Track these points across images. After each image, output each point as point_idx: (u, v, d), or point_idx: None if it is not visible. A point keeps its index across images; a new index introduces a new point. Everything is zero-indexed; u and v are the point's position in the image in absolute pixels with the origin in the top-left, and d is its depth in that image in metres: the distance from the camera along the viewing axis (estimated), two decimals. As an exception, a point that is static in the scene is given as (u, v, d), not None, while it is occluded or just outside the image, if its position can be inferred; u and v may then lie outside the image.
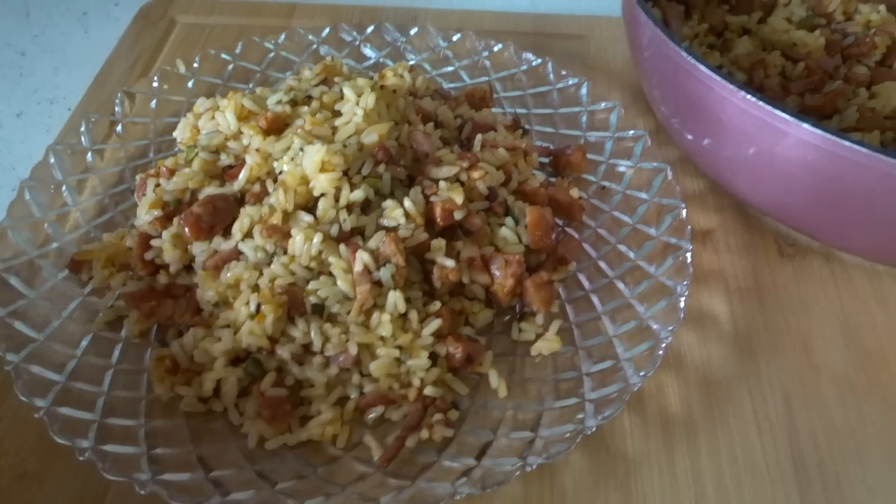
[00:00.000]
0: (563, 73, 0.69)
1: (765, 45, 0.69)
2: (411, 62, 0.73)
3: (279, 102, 0.57)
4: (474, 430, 0.47)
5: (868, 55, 0.66)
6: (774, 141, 0.50)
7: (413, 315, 0.49)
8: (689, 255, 0.53)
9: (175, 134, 0.61)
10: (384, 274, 0.48)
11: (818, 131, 0.46)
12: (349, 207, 0.51)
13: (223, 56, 0.71)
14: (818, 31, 0.69)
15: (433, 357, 0.49)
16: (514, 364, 0.51)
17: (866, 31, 0.68)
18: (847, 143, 0.46)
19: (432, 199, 0.52)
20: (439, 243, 0.51)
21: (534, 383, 0.50)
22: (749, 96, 0.49)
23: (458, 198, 0.52)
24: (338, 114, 0.56)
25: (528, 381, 0.50)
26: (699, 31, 0.72)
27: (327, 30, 0.73)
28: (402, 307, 0.48)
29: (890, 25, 0.68)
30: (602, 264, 0.57)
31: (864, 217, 0.52)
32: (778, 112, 0.48)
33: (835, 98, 0.62)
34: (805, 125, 0.46)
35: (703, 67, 0.51)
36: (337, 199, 0.51)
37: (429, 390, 0.47)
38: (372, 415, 0.48)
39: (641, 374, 0.47)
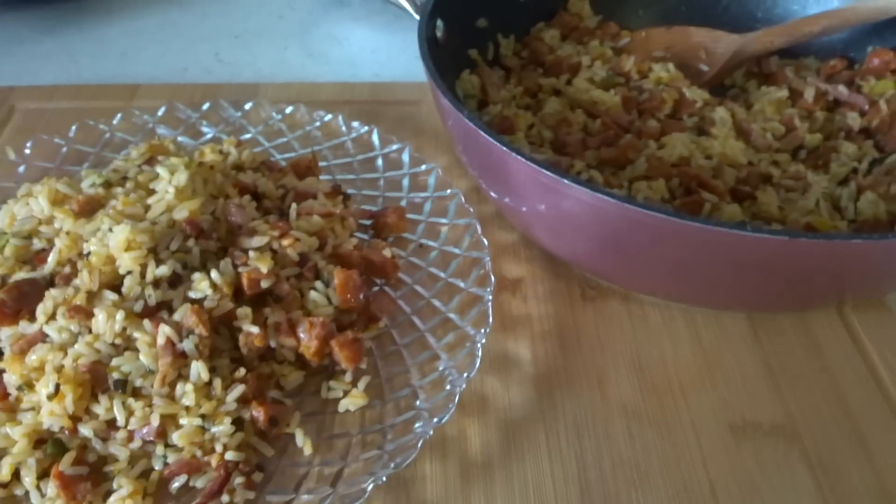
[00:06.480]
0: (388, 139, 0.73)
1: (572, 104, 0.75)
2: (248, 136, 0.76)
3: (93, 185, 0.59)
4: (278, 490, 0.49)
5: (659, 109, 0.73)
6: (558, 198, 0.54)
7: (217, 382, 0.51)
8: (489, 304, 0.57)
9: (-3, 221, 0.62)
10: (188, 345, 0.50)
11: (584, 188, 0.51)
12: (156, 283, 0.53)
13: (56, 140, 0.72)
14: (614, 89, 0.75)
15: (239, 422, 0.51)
16: (323, 422, 0.54)
17: (658, 87, 0.75)
18: (608, 198, 0.50)
19: (241, 269, 0.55)
20: (245, 311, 0.53)
21: (342, 439, 0.53)
22: (523, 159, 0.53)
23: (264, 267, 0.54)
24: (153, 192, 0.59)
25: (335, 437, 0.53)
26: (516, 93, 0.77)
27: (162, 109, 0.76)
28: (205, 376, 0.50)
29: (678, 81, 0.75)
30: (415, 319, 0.60)
31: (644, 262, 0.57)
32: (549, 173, 0.52)
33: (626, 150, 0.67)
34: (567, 181, 0.51)
35: (486, 135, 0.55)
36: (143, 276, 0.53)
37: (230, 455, 0.49)
38: (176, 484, 0.49)
39: (435, 421, 0.50)
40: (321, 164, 0.72)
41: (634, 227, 0.51)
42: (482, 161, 0.61)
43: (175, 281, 0.54)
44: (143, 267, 0.53)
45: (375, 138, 0.74)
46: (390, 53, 0.97)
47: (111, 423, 0.49)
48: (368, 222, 0.68)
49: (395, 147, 0.73)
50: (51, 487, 0.47)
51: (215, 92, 0.85)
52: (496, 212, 0.70)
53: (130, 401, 0.49)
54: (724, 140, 0.69)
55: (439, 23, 0.71)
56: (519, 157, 0.53)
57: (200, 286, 0.53)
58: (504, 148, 0.54)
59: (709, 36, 0.80)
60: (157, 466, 0.49)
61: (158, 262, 0.53)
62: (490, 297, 0.57)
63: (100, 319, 0.50)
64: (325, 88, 0.86)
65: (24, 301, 0.53)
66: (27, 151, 0.71)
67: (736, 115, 0.73)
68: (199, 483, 0.49)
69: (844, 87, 0.74)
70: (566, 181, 0.51)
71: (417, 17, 0.69)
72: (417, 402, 0.53)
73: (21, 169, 0.70)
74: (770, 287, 0.56)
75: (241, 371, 0.52)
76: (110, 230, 0.54)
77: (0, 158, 0.70)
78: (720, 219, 0.61)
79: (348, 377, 0.55)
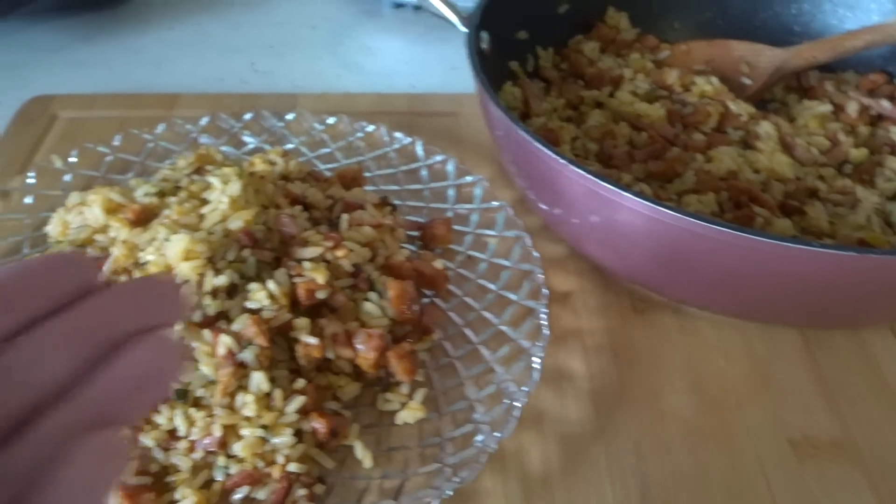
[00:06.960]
0: (432, 150, 0.73)
1: (615, 116, 0.75)
2: (290, 146, 0.76)
3: (147, 194, 0.59)
4: (340, 503, 0.49)
5: (704, 122, 0.73)
6: (611, 210, 0.54)
7: (277, 393, 0.50)
8: (544, 317, 0.57)
9: (47, 229, 0.62)
10: (248, 355, 0.50)
11: (640, 199, 0.51)
12: (214, 293, 0.53)
13: (100, 149, 0.72)
14: (659, 102, 0.75)
15: (299, 433, 0.50)
16: (380, 434, 0.53)
17: (702, 100, 0.75)
18: (672, 212, 0.50)
19: (296, 279, 0.55)
20: (302, 322, 0.53)
21: (400, 452, 0.52)
22: (580, 170, 0.53)
23: (321, 278, 0.54)
24: (206, 202, 0.59)
25: (394, 450, 0.52)
26: (557, 105, 0.77)
27: (205, 119, 0.76)
28: (265, 387, 0.50)
29: (722, 95, 0.75)
30: (467, 331, 0.60)
31: (698, 276, 0.57)
32: (605, 183, 0.52)
33: (674, 163, 0.67)
34: (626, 193, 0.51)
35: (539, 145, 0.55)
36: (201, 286, 0.53)
37: (292, 467, 0.49)
38: (238, 495, 0.49)
39: (497, 435, 0.50)
40: (364, 174, 0.72)
41: (695, 240, 0.51)
42: (533, 172, 0.61)
43: (232, 291, 0.54)
44: (201, 277, 0.53)
45: (420, 149, 0.74)
46: (425, 65, 0.97)
47: (172, 433, 0.49)
48: (415, 233, 0.68)
49: (438, 158, 0.73)
50: (112, 496, 0.47)
51: (254, 102, 0.85)
52: (542, 224, 0.70)
53: (192, 410, 0.49)
54: (771, 154, 0.69)
55: (484, 34, 0.71)
56: (577, 169, 0.53)
57: (257, 296, 0.53)
58: (562, 160, 0.54)
59: (750, 50, 0.80)
60: (219, 477, 0.49)
61: (217, 272, 0.53)
62: (545, 310, 0.57)
63: (160, 329, 0.50)
64: (363, 99, 0.86)
65: (82, 310, 0.53)
66: (72, 160, 0.71)
67: (780, 129, 0.73)
68: (261, 495, 0.49)
69: (888, 102, 0.74)
70: (627, 194, 0.51)
71: (464, 29, 0.69)
72: (475, 416, 0.53)
73: (67, 178, 0.70)
74: (827, 301, 0.56)
75: (301, 382, 0.52)
76: (167, 239, 0.54)
77: (45, 167, 0.70)
78: (772, 233, 0.61)
79: (404, 389, 0.55)
